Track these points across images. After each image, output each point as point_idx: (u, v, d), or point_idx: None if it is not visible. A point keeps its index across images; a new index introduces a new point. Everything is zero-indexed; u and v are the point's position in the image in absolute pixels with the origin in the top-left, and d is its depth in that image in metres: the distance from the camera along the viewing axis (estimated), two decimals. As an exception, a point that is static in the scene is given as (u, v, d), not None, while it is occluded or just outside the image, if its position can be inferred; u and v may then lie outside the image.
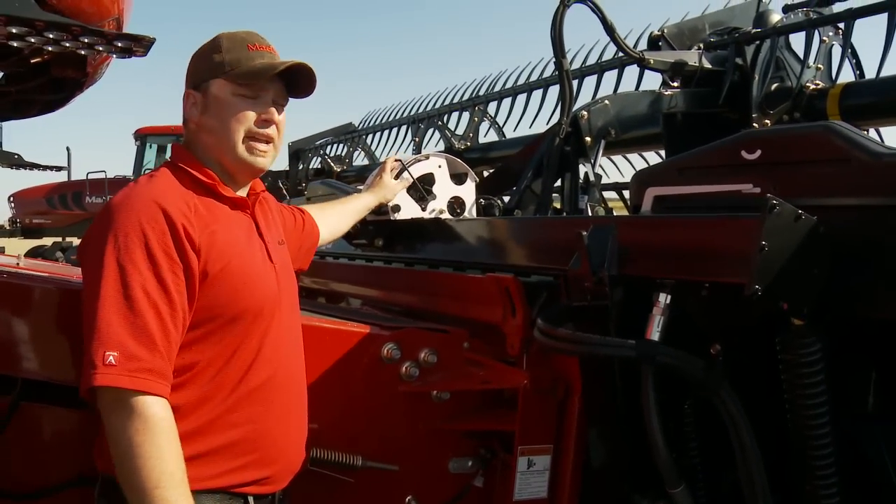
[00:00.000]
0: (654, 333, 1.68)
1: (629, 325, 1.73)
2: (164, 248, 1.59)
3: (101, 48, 2.24)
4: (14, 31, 2.09)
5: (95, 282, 1.57)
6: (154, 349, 1.55)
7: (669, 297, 1.69)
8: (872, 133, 3.44)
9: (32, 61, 2.74)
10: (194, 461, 1.61)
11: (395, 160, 2.79)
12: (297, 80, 1.84)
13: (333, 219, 2.48)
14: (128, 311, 1.54)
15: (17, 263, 2.84)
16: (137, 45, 2.25)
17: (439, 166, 2.82)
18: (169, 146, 16.58)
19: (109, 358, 1.51)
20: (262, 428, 1.74)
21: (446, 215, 2.80)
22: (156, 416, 1.52)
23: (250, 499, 1.73)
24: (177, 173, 1.76)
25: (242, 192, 1.85)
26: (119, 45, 2.21)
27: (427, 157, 2.82)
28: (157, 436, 1.51)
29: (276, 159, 1.88)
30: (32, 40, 2.15)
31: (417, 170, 2.78)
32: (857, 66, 3.57)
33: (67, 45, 2.18)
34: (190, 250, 1.63)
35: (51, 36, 2.14)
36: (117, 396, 1.52)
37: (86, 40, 2.16)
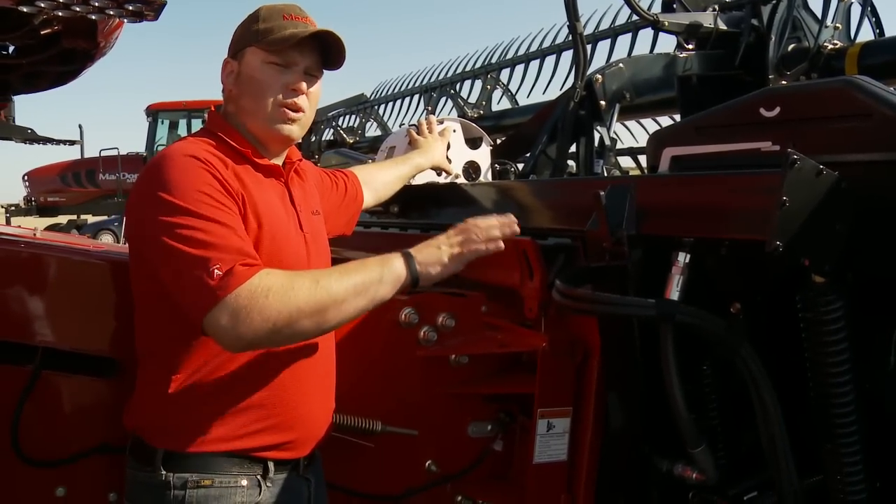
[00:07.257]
0: (674, 293, 1.66)
1: (648, 286, 1.72)
2: (211, 190, 1.61)
3: (111, 12, 2.23)
4: None
5: (165, 236, 1.57)
6: (243, 243, 1.60)
7: (689, 255, 1.67)
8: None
9: (43, 32, 2.74)
10: (212, 420, 1.65)
11: (433, 118, 2.77)
12: (331, 52, 1.82)
13: (379, 184, 2.44)
14: (205, 241, 1.55)
15: (35, 235, 2.85)
16: (148, 9, 2.24)
17: (454, 131, 2.80)
18: (181, 122, 16.63)
19: (215, 271, 1.52)
20: (280, 394, 1.75)
21: (462, 180, 2.78)
22: (288, 275, 1.61)
23: (270, 464, 1.74)
24: (212, 139, 1.76)
25: (277, 161, 1.85)
26: (130, 8, 2.20)
27: (441, 122, 2.80)
28: (302, 276, 1.62)
29: (306, 129, 1.88)
30: (42, 5, 2.14)
31: None
32: (877, 25, 3.51)
33: (78, 9, 2.17)
34: (234, 195, 1.65)
35: (60, 0, 2.13)
36: (248, 291, 1.53)
37: (96, 4, 2.15)
